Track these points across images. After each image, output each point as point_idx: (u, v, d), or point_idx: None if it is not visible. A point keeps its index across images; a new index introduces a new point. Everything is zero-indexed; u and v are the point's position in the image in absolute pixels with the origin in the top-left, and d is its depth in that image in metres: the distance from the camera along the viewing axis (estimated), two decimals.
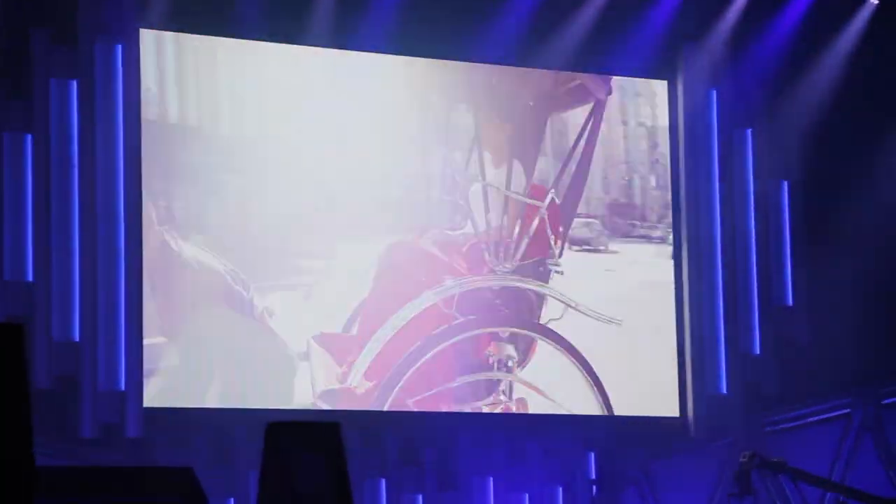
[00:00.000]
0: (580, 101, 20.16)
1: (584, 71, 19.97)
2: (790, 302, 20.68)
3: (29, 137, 17.43)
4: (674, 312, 20.22)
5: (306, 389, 18.38)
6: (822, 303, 20.32)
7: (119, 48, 17.84)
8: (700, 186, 20.47)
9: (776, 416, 19.52)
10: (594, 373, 19.74)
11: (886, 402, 18.69)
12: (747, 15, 20.30)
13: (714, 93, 20.60)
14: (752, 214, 20.68)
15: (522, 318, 19.67)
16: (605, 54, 19.93)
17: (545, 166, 19.87)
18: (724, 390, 20.22)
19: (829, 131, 20.44)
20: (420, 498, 18.80)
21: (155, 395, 17.76)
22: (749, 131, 20.76)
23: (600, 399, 19.70)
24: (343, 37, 18.76)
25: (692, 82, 20.50)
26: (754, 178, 20.73)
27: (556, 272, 19.84)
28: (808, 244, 20.64)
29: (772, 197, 20.77)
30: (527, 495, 19.39)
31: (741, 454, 16.77)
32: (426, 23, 18.92)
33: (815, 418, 19.10)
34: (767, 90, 20.65)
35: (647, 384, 20.03)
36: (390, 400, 18.71)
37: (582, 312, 19.79)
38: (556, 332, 19.74)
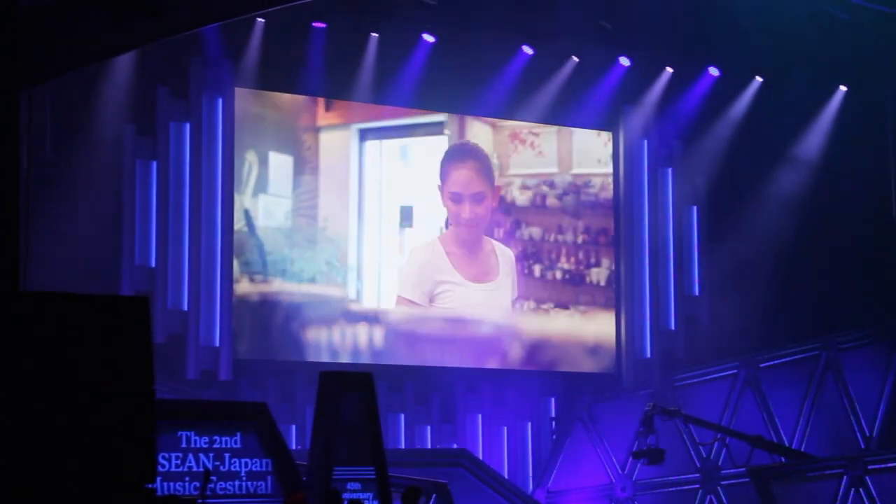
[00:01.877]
0: None
1: (554, 124, 19.94)
2: (697, 292, 20.71)
3: (154, 164, 17.55)
4: (614, 298, 20.23)
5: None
6: (718, 294, 20.37)
7: (220, 100, 17.92)
8: (634, 210, 20.49)
9: (683, 374, 19.46)
10: None
11: (763, 366, 18.62)
12: (669, 87, 20.39)
13: (645, 142, 20.63)
14: (671, 229, 20.70)
15: None
16: (569, 111, 19.96)
17: None
18: (648, 355, 20.28)
19: (725, 171, 20.52)
20: (428, 428, 18.86)
21: (241, 349, 17.81)
22: (670, 170, 20.79)
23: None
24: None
25: (629, 134, 20.51)
26: (673, 203, 20.75)
27: None
28: (710, 252, 20.67)
29: (685, 217, 20.81)
30: (505, 428, 19.45)
31: (647, 404, 16.79)
32: (439, 85, 18.91)
33: (711, 377, 19.01)
34: (683, 141, 20.70)
35: (594, 349, 20.07)
36: None
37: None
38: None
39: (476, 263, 19.24)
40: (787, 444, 17.94)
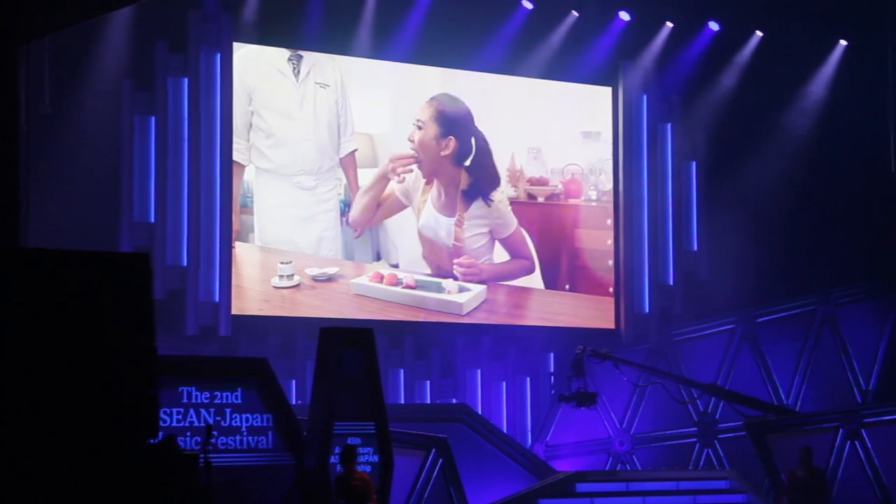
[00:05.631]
0: None
1: (552, 79, 19.86)
2: (695, 248, 20.72)
3: (153, 119, 17.48)
4: (612, 255, 20.24)
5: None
6: (716, 249, 20.39)
7: (217, 55, 17.82)
8: (633, 164, 20.46)
9: (681, 329, 19.54)
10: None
11: (759, 320, 18.70)
12: (669, 41, 20.32)
13: (644, 97, 20.57)
14: (670, 184, 20.68)
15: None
16: (567, 66, 19.90)
17: None
18: (647, 310, 20.30)
19: (724, 127, 20.48)
20: (428, 383, 18.90)
21: (240, 305, 17.80)
22: (669, 125, 20.74)
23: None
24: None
25: (629, 89, 20.45)
26: (672, 158, 20.73)
27: None
28: (709, 207, 20.68)
29: (684, 172, 20.80)
30: (504, 383, 19.51)
31: (577, 347, 16.62)
32: (439, 40, 18.84)
33: (709, 331, 19.10)
34: (683, 96, 20.64)
35: (593, 303, 20.07)
36: None
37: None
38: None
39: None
40: (781, 399, 18.08)
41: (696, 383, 17.24)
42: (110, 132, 17.11)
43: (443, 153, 18.88)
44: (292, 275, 17.85)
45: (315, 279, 17.97)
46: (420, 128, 18.80)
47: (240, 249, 17.78)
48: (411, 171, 18.68)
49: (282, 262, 17.85)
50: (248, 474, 12.06)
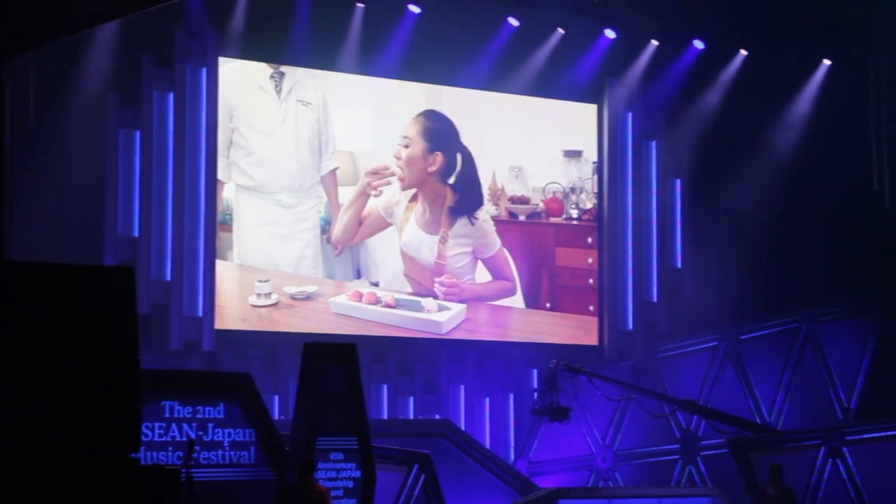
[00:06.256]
0: None
1: (537, 96, 19.92)
2: (679, 265, 20.76)
3: (138, 133, 17.47)
4: (593, 274, 20.27)
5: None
6: (700, 266, 20.43)
7: (203, 70, 17.83)
8: (618, 181, 20.51)
9: (665, 346, 19.58)
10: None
11: (743, 338, 18.77)
12: (654, 59, 20.39)
13: (629, 114, 20.64)
14: (654, 202, 20.71)
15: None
16: (552, 83, 19.97)
17: None
18: (630, 327, 20.33)
19: (709, 144, 20.56)
20: (411, 399, 18.88)
21: (224, 319, 17.79)
22: (654, 142, 20.81)
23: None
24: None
25: (614, 106, 20.53)
26: (656, 175, 20.79)
27: None
28: (693, 224, 20.73)
29: (668, 189, 20.85)
30: (488, 399, 19.50)
31: (551, 361, 16.66)
32: (425, 56, 18.92)
33: (693, 348, 19.15)
34: (668, 113, 20.72)
35: (576, 321, 20.10)
36: None
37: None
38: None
39: None
40: (763, 416, 18.12)
41: (671, 399, 17.29)
42: (95, 146, 17.08)
43: (430, 169, 18.92)
44: (270, 293, 17.82)
45: (293, 297, 17.95)
46: (407, 146, 18.83)
47: (219, 267, 17.74)
48: (389, 183, 18.68)
49: (259, 281, 17.83)
50: (229, 489, 12.05)
